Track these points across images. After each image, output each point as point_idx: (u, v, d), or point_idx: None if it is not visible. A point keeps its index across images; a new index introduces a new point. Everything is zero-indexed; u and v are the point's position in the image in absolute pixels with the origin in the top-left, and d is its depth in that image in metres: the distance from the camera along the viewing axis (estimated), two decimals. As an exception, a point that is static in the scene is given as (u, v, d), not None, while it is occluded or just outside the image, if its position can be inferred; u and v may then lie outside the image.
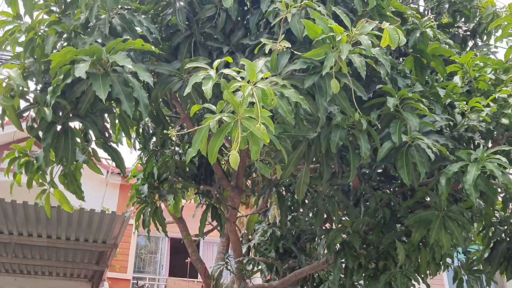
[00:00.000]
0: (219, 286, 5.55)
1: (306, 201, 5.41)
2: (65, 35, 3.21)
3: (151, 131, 5.57)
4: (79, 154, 3.55)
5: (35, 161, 3.48)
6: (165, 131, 2.55)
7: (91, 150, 3.88)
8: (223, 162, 5.79)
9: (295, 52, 3.05)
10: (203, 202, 5.75)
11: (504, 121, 3.76)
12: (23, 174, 3.74)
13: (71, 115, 3.18)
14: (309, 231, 6.62)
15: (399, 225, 4.43)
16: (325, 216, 6.92)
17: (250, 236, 6.69)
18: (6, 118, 3.21)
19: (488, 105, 3.86)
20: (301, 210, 6.76)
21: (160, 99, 4.44)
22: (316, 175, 4.39)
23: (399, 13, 4.16)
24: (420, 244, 4.08)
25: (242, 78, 2.69)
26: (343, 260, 4.27)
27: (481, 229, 4.50)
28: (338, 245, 4.45)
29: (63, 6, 3.46)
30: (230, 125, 2.57)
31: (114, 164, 11.77)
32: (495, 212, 4.48)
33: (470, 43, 5.89)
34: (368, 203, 4.37)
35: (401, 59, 4.35)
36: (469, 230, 3.79)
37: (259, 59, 2.84)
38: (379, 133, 3.63)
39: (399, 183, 4.73)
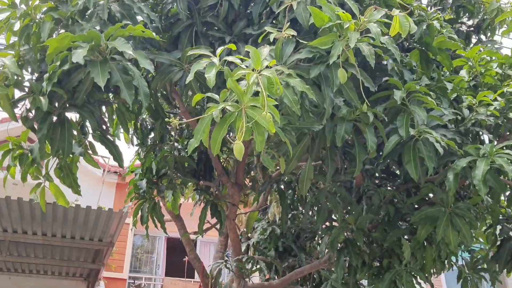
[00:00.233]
0: (218, 285, 5.43)
1: (307, 199, 5.34)
2: (62, 22, 3.09)
3: (149, 126, 5.46)
4: (75, 147, 3.43)
5: (29, 154, 3.36)
6: (166, 119, 2.43)
7: (88, 143, 3.77)
8: (222, 159, 5.68)
9: (301, 40, 2.95)
10: (201, 199, 5.65)
11: (512, 116, 3.67)
12: (17, 169, 3.63)
13: (67, 105, 3.06)
14: (309, 229, 6.52)
15: (403, 222, 4.34)
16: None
17: (249, 234, 6.58)
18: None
19: (495, 100, 3.77)
20: (300, 208, 6.71)
21: (159, 93, 4.34)
22: (317, 173, 4.28)
23: (404, 6, 4.06)
24: (425, 242, 3.98)
25: (247, 66, 2.59)
26: (346, 258, 4.16)
27: (487, 226, 4.41)
28: (340, 243, 4.34)
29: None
30: (234, 114, 2.47)
31: (110, 162, 11.62)
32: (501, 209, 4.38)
33: (474, 39, 5.80)
34: (371, 200, 4.27)
35: (404, 54, 4.27)
36: (476, 227, 3.69)
37: (264, 47, 2.74)
38: (384, 127, 3.53)
39: (402, 180, 4.64)
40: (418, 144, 3.31)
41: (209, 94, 2.61)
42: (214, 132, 2.49)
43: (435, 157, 3.30)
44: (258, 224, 6.60)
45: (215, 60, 2.59)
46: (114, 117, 4.43)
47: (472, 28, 5.77)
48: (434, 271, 4.35)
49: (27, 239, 6.93)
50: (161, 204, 5.22)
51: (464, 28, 5.79)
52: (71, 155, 3.62)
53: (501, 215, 4.24)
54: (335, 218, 7.01)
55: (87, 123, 3.70)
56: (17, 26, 3.31)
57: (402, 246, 3.94)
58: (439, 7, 5.76)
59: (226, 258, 5.68)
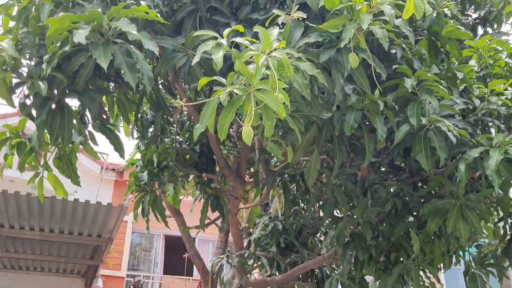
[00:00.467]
0: (220, 280, 5.32)
1: (311, 193, 5.24)
2: (62, 5, 2.97)
3: (149, 119, 5.35)
4: (75, 136, 3.32)
5: (27, 143, 3.25)
6: (172, 101, 2.32)
7: (88, 134, 3.66)
8: (223, 155, 5.58)
9: (310, 24, 2.84)
10: (202, 195, 5.55)
11: (523, 105, 3.57)
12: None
13: (67, 91, 2.95)
14: (311, 225, 6.42)
15: (410, 216, 4.24)
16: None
17: (251, 230, 6.47)
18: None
19: (506, 89, 3.67)
20: (302, 205, 6.61)
21: (161, 82, 4.24)
22: (324, 166, 4.19)
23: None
24: (434, 235, 3.88)
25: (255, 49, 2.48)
26: (352, 253, 4.06)
27: (497, 220, 4.31)
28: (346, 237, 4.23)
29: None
30: (242, 98, 2.36)
31: (108, 159, 11.41)
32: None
33: (480, 32, 5.71)
34: (377, 193, 4.17)
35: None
36: (488, 220, 3.59)
37: (273, 28, 2.63)
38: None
39: (408, 174, 4.54)
40: (429, 133, 3.22)
41: (216, 77, 2.51)
42: (221, 116, 2.39)
43: (446, 147, 3.21)
44: (259, 219, 6.49)
45: (223, 41, 2.49)
46: (114, 110, 4.33)
47: (478, 21, 5.67)
48: (442, 266, 4.25)
49: (25, 234, 6.80)
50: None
51: (470, 20, 5.69)
52: (70, 144, 3.52)
53: (511, 209, 4.14)
54: (339, 212, 6.95)
55: (87, 113, 3.61)
56: (15, 11, 3.20)
57: (410, 240, 3.84)
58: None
59: (228, 254, 5.56)
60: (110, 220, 6.41)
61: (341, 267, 4.82)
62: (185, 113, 5.57)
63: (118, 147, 3.54)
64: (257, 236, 6.37)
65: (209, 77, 2.55)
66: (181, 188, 5.19)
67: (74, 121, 3.25)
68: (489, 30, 5.67)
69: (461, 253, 4.61)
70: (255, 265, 6.14)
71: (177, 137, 4.97)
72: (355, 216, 3.97)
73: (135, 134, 5.75)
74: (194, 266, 14.50)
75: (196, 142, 4.86)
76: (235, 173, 4.83)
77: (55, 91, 3.00)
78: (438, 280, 4.06)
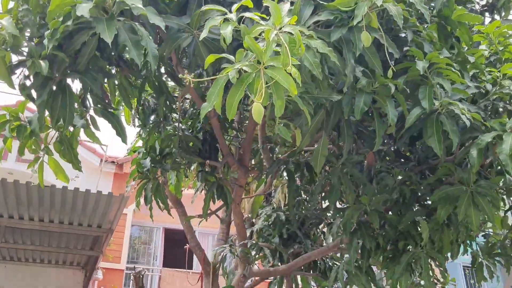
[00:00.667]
0: (223, 270, 5.25)
1: (316, 181, 5.16)
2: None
3: (151, 107, 5.25)
4: (77, 119, 3.23)
5: (28, 125, 3.15)
6: (180, 76, 2.23)
7: (89, 118, 3.56)
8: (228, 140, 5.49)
9: (320, 1, 2.75)
10: (205, 184, 5.47)
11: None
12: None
13: (69, 71, 2.85)
14: (315, 216, 6.35)
15: (418, 204, 4.16)
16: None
17: (254, 220, 6.40)
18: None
19: (518, 74, 3.59)
20: (304, 196, 6.53)
21: (163, 65, 4.14)
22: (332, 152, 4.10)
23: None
24: (442, 224, 3.79)
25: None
26: (358, 241, 3.97)
27: (506, 209, 4.24)
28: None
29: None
30: (252, 75, 2.27)
31: (108, 151, 11.24)
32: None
33: (488, 20, 5.61)
34: (384, 181, 4.09)
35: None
36: (499, 207, 3.51)
37: (284, 3, 2.53)
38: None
39: (415, 162, 4.46)
40: (441, 117, 3.13)
41: (224, 54, 2.41)
42: (230, 94, 2.30)
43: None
44: (262, 210, 6.41)
45: (232, 15, 2.39)
46: (116, 97, 4.23)
47: (486, 7, 5.58)
48: (449, 255, 4.17)
49: (24, 225, 6.69)
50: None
51: (477, 7, 5.60)
52: (71, 128, 3.43)
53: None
54: (342, 204, 6.86)
55: (89, 96, 3.51)
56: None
57: (418, 228, 3.76)
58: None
59: (231, 243, 5.48)
60: (111, 210, 6.31)
61: (345, 256, 4.77)
62: (187, 101, 5.48)
63: (121, 132, 3.45)
64: (260, 226, 6.30)
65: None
66: (183, 177, 5.10)
67: (76, 105, 3.17)
68: (497, 17, 5.58)
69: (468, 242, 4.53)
70: (258, 256, 6.08)
71: (180, 125, 4.88)
72: (362, 204, 3.88)
73: (136, 122, 5.66)
74: (194, 259, 14.54)
75: (199, 130, 4.77)
76: (239, 161, 4.74)
77: (56, 72, 2.90)
78: (446, 270, 3.98)
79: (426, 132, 3.14)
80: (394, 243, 3.97)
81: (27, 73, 2.94)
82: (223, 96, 2.36)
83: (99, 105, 3.45)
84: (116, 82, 3.76)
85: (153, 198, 4.35)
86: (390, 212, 4.10)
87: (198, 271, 12.56)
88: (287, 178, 5.45)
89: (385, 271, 4.01)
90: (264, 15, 2.41)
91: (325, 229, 6.83)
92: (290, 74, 2.22)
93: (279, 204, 6.29)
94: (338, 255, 6.24)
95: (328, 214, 6.30)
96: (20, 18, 2.93)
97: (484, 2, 5.62)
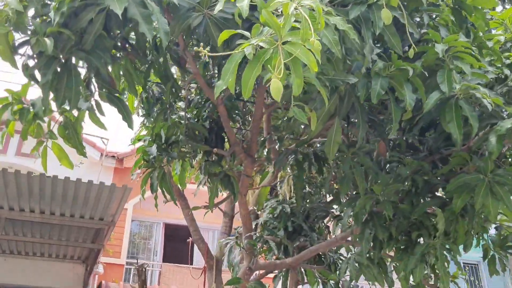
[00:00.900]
0: (229, 262, 5.13)
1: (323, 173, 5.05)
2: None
3: (156, 96, 5.14)
4: (82, 102, 3.11)
5: (31, 108, 3.03)
6: (195, 49, 2.11)
7: (94, 103, 3.44)
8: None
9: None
10: (208, 176, 5.35)
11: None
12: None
13: (74, 50, 2.73)
14: (320, 208, 6.24)
15: (430, 195, 4.05)
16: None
17: (259, 212, 6.28)
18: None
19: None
20: (308, 188, 6.42)
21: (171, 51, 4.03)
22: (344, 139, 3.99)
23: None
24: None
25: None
26: (370, 232, 3.86)
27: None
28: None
29: None
30: (269, 51, 2.15)
31: (107, 145, 11.12)
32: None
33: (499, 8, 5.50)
34: (396, 171, 3.98)
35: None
36: (516, 198, 3.39)
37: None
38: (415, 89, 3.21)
39: (427, 152, 4.35)
40: (460, 102, 3.01)
41: (239, 31, 2.30)
42: (246, 71, 2.18)
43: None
44: (266, 202, 6.30)
45: (247, -11, 2.27)
46: (120, 84, 4.12)
47: (498, -4, 5.46)
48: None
49: (24, 216, 6.58)
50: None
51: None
52: (76, 113, 3.31)
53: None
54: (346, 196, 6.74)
55: (93, 81, 3.40)
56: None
57: (432, 219, 3.65)
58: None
59: (237, 235, 5.37)
60: (113, 202, 6.19)
61: (355, 248, 4.66)
62: (192, 90, 5.36)
63: (127, 116, 3.34)
64: (264, 219, 6.19)
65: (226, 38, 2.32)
66: (188, 166, 4.99)
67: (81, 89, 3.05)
68: (508, 6, 5.47)
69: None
70: (262, 249, 5.97)
71: (186, 114, 4.77)
72: (374, 194, 3.77)
73: (140, 112, 5.55)
74: (194, 254, 14.43)
75: (205, 118, 4.65)
76: (246, 151, 4.63)
77: (61, 51, 2.78)
78: (459, 265, 3.87)
79: (444, 117, 3.03)
80: (406, 234, 3.86)
81: (30, 52, 2.82)
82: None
83: (104, 89, 3.34)
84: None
85: (158, 187, 4.24)
86: (402, 202, 3.98)
87: (198, 267, 12.52)
88: (295, 168, 5.35)
89: (397, 263, 3.90)
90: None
91: (329, 223, 6.74)
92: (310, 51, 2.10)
93: (284, 197, 6.17)
94: (343, 249, 6.16)
95: (334, 207, 6.21)
96: (24, -5, 2.81)
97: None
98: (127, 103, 3.41)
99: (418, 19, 3.43)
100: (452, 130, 2.96)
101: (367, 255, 3.93)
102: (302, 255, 5.07)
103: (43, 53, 2.68)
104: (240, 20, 2.31)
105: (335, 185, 6.57)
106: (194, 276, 11.28)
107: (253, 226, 6.23)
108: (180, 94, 4.46)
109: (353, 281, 5.18)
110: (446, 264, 3.45)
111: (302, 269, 5.98)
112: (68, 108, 3.11)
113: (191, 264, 14.11)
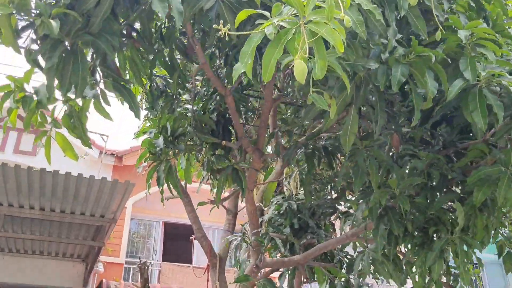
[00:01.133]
0: (236, 259, 4.99)
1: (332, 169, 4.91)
2: None
3: (160, 88, 4.99)
4: (87, 90, 2.96)
5: (34, 96, 2.88)
6: (215, 26, 1.97)
7: (99, 91, 3.30)
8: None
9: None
10: (212, 171, 5.21)
11: None
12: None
13: (80, 33, 2.58)
14: (328, 205, 6.11)
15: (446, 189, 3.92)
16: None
17: (265, 209, 6.15)
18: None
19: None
20: (313, 185, 6.28)
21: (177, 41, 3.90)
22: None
23: None
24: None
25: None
26: (386, 227, 3.72)
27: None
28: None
29: None
30: (291, 31, 2.01)
31: (107, 142, 10.93)
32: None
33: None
34: (412, 164, 3.85)
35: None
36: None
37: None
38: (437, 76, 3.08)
39: (441, 146, 4.22)
40: (484, 91, 2.88)
41: (258, 10, 2.16)
42: (266, 53, 2.04)
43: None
44: (272, 199, 6.17)
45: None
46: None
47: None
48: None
49: (24, 213, 6.42)
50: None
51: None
52: (80, 102, 3.17)
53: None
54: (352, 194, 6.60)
55: (99, 69, 3.26)
56: None
57: (449, 214, 3.52)
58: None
59: (244, 231, 5.23)
60: (115, 198, 6.05)
61: (368, 245, 4.52)
62: (198, 83, 5.22)
63: (134, 106, 3.20)
64: (270, 216, 6.06)
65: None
66: (194, 160, 4.85)
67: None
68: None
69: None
70: (267, 246, 5.83)
71: (192, 106, 4.63)
72: (389, 188, 3.63)
73: (144, 105, 5.41)
74: (194, 253, 14.27)
75: (211, 111, 4.51)
76: (254, 144, 4.50)
77: (67, 35, 2.63)
78: (479, 261, 3.73)
79: (467, 106, 2.90)
80: (422, 230, 3.73)
81: (34, 37, 2.68)
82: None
83: (110, 78, 3.20)
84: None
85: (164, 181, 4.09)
86: (418, 197, 3.85)
87: (198, 266, 12.37)
88: (302, 164, 5.22)
89: (411, 260, 3.77)
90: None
91: (334, 221, 6.61)
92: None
93: (290, 193, 6.04)
94: (347, 247, 6.02)
95: (341, 203, 6.08)
96: (28, -23, 2.67)
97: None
98: (133, 93, 3.26)
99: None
100: (476, 119, 2.82)
101: (383, 250, 3.79)
102: (311, 252, 4.94)
103: (48, 37, 2.54)
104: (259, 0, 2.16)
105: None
106: (193, 275, 11.15)
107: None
108: (186, 85, 4.32)
109: (361, 279, 5.06)
110: (466, 260, 3.31)
111: (310, 267, 5.85)
112: (73, 96, 2.98)
113: (190, 263, 13.98)
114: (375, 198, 3.54)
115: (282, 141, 5.84)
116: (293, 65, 1.96)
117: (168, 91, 4.73)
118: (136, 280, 11.23)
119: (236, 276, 4.65)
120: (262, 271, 5.83)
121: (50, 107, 2.97)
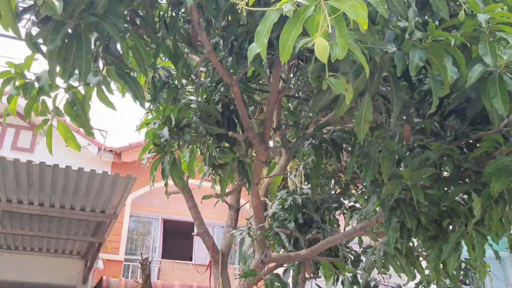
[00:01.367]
0: (241, 254, 4.88)
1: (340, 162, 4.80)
2: None
3: (163, 80, 4.87)
4: (90, 76, 2.84)
5: (36, 83, 2.76)
6: (232, 0, 1.85)
7: (102, 79, 3.17)
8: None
9: None
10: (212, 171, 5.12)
11: None
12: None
13: (84, 15, 2.46)
14: (333, 199, 6.01)
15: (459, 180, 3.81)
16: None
17: (270, 203, 6.03)
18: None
19: None
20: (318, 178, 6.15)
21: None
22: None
23: None
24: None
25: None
26: (398, 220, 3.61)
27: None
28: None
29: None
30: (310, 8, 1.90)
31: (106, 138, 10.77)
32: None
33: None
34: (423, 155, 3.74)
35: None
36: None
37: None
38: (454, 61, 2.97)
39: (452, 137, 4.12)
40: (504, 76, 2.77)
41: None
42: (284, 31, 1.92)
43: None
44: (277, 193, 6.05)
45: None
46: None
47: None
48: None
49: (23, 209, 6.28)
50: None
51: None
52: (82, 91, 3.04)
53: None
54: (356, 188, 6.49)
55: (101, 56, 3.13)
56: None
57: (464, 205, 3.41)
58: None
59: (249, 225, 5.12)
60: (116, 193, 5.92)
61: (379, 238, 4.42)
62: (201, 74, 5.10)
63: (138, 94, 3.08)
64: (274, 211, 5.95)
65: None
66: (197, 153, 4.73)
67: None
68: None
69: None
70: (271, 242, 5.72)
71: (194, 98, 4.51)
72: (402, 179, 3.52)
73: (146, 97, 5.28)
74: (194, 251, 14.17)
75: (216, 102, 4.39)
76: (260, 137, 4.38)
77: (70, 17, 2.51)
78: (497, 253, 3.59)
79: (487, 92, 2.78)
80: (435, 222, 3.62)
81: (35, 19, 2.55)
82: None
83: (113, 65, 3.07)
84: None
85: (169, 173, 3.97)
86: (430, 188, 3.74)
87: (199, 263, 12.26)
88: (308, 156, 5.11)
89: (423, 253, 3.66)
90: None
91: (338, 216, 6.51)
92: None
93: (295, 187, 5.92)
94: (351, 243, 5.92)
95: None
96: (28, -44, 2.55)
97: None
98: (138, 81, 3.14)
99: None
100: (497, 105, 2.71)
101: (395, 244, 3.68)
102: (318, 247, 4.83)
103: (50, 19, 2.41)
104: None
105: (342, 176, 6.34)
106: (193, 273, 11.02)
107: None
108: (190, 76, 4.20)
109: (368, 275, 4.96)
110: (483, 253, 3.20)
111: (315, 263, 5.74)
112: (76, 84, 2.85)
113: (190, 260, 13.88)
114: (387, 190, 3.43)
115: (287, 134, 5.73)
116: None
117: (171, 82, 4.61)
118: (136, 278, 11.10)
119: (237, 273, 4.55)
120: (266, 268, 5.73)
121: (52, 96, 2.84)
